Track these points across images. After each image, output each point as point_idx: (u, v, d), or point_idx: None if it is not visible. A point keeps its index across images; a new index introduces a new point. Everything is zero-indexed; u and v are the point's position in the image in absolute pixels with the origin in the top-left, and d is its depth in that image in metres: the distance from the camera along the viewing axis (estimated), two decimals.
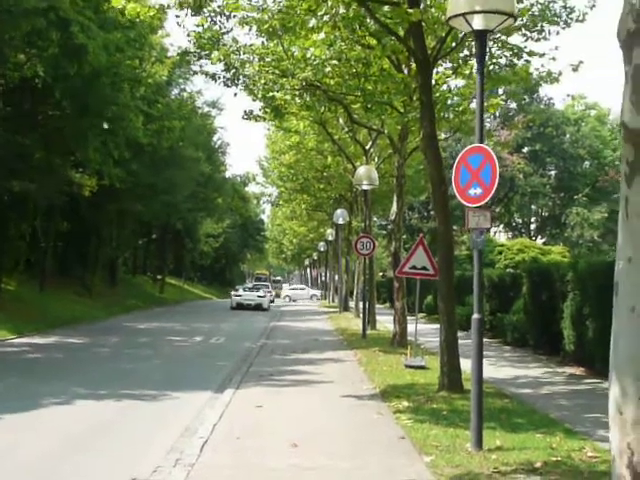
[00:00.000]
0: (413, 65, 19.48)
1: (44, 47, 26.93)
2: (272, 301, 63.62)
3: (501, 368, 18.35)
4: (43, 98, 30.04)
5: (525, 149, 73.14)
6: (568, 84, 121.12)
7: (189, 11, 19.70)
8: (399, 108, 21.13)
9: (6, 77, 28.79)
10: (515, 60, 20.11)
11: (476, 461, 8.88)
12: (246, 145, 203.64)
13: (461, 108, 21.38)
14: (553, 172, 76.19)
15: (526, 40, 19.99)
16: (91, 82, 28.46)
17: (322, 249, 76.41)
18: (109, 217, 48.41)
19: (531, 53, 19.89)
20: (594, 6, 20.06)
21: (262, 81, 21.55)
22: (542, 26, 19.74)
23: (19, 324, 27.42)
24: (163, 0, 16.91)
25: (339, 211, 42.95)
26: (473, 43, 20.15)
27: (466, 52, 20.87)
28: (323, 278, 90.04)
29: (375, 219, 54.62)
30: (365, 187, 27.70)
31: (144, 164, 42.13)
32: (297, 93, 22.38)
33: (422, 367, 17.67)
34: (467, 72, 21.48)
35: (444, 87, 22.32)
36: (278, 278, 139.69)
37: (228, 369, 18.47)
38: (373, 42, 19.33)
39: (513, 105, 70.93)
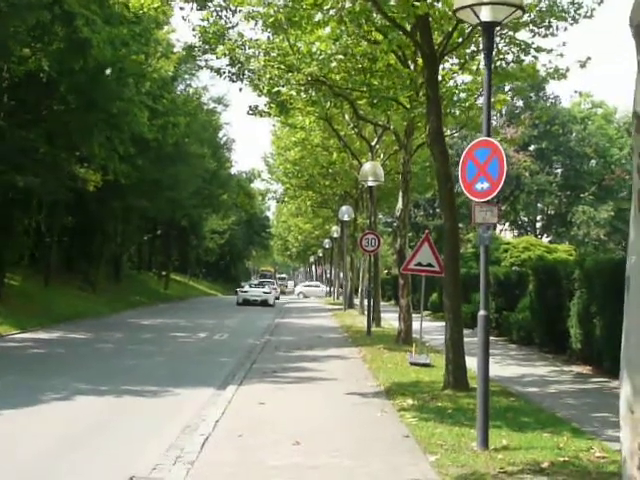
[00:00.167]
0: (419, 60, 19.36)
1: (49, 41, 26.80)
2: (277, 298, 63.62)
3: (507, 366, 18.20)
4: (48, 92, 29.89)
5: (531, 147, 72.96)
6: (575, 82, 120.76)
7: (194, 5, 19.70)
8: (405, 104, 20.97)
9: (11, 71, 28.66)
10: (522, 56, 19.98)
11: (482, 461, 8.72)
12: (252, 141, 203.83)
13: (468, 104, 21.24)
14: (559, 170, 75.99)
15: (533, 36, 19.89)
16: (96, 77, 28.33)
17: (327, 246, 76.37)
18: (114, 213, 48.26)
19: (538, 49, 19.77)
20: (602, 2, 19.86)
21: (267, 76, 21.39)
22: (550, 22, 19.61)
23: (23, 319, 27.33)
24: None
25: (344, 208, 42.82)
26: (480, 39, 20.22)
27: (473, 48, 20.76)
28: (328, 275, 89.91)
29: (380, 216, 54.55)
30: (370, 183, 27.53)
31: (149, 160, 42.00)
32: (302, 88, 22.22)
33: (427, 365, 17.52)
34: (474, 68, 21.37)
35: (451, 83, 22.20)
36: (283, 275, 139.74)
37: (231, 366, 18.34)
38: (379, 37, 19.18)
39: (520, 103, 70.79)
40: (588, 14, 19.76)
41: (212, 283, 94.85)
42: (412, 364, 17.70)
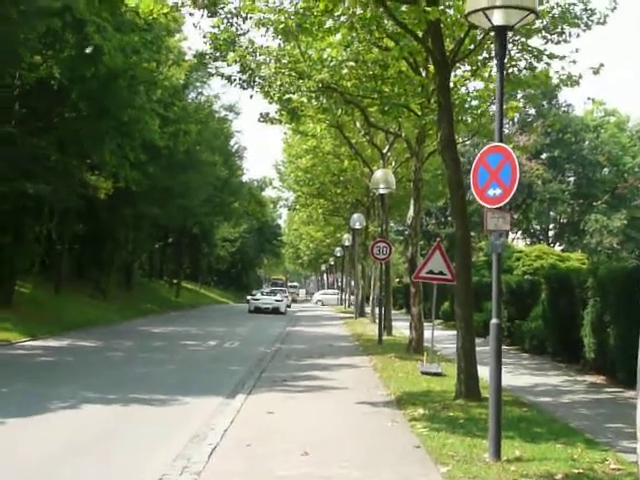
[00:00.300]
0: (431, 67, 19.23)
1: (60, 48, 26.80)
2: (289, 306, 63.60)
3: (520, 376, 18.02)
4: (59, 100, 29.89)
5: (544, 155, 72.66)
6: (587, 89, 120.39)
7: (205, 12, 19.61)
8: (416, 111, 20.86)
9: (22, 78, 28.68)
10: (535, 63, 19.82)
11: (494, 472, 8.57)
12: (263, 149, 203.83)
13: (479, 111, 21.09)
14: (572, 178, 75.64)
15: (546, 43, 19.74)
16: (107, 84, 28.31)
17: (339, 254, 76.18)
18: (125, 220, 48.27)
19: (551, 56, 19.62)
20: (615, 8, 19.70)
21: (278, 83, 21.28)
22: (562, 28, 19.46)
23: (33, 326, 27.23)
24: None
25: (356, 216, 42.70)
26: (492, 45, 20.09)
27: (485, 54, 20.61)
28: (339, 283, 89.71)
29: (392, 224, 54.39)
30: (382, 191, 27.37)
31: (161, 167, 42.04)
32: (313, 95, 22.10)
33: (438, 374, 17.36)
34: (486, 74, 21.22)
35: (462, 90, 22.06)
36: (295, 283, 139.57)
37: (241, 374, 18.21)
38: (390, 44, 19.07)
39: (532, 111, 70.55)
40: (601, 20, 19.61)
41: (223, 291, 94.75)
42: (423, 373, 17.55)
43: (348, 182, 46.18)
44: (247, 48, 20.99)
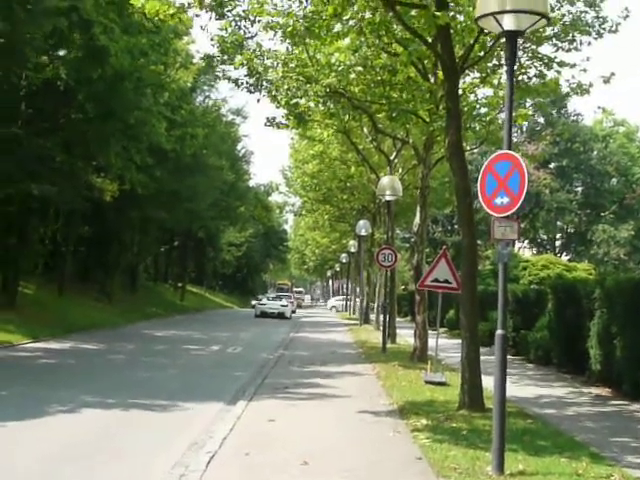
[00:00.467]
0: (440, 73, 19.08)
1: (66, 49, 26.71)
2: (294, 311, 63.89)
3: (524, 386, 17.77)
4: (66, 101, 29.80)
5: (552, 165, 72.41)
6: (597, 98, 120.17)
7: (212, 14, 19.48)
8: (424, 117, 20.66)
9: (29, 79, 28.60)
10: (545, 70, 19.64)
11: None
12: (270, 154, 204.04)
13: (488, 118, 20.91)
14: (580, 188, 75.42)
15: (557, 50, 19.60)
16: (114, 86, 28.21)
17: (344, 260, 76.02)
18: (131, 223, 48.19)
19: (562, 64, 19.46)
20: (627, 16, 19.53)
21: (285, 87, 21.12)
22: (574, 36, 19.31)
23: (35, 328, 27.12)
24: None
25: (362, 222, 42.57)
26: (502, 52, 19.96)
27: (495, 61, 20.47)
28: (345, 290, 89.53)
29: (398, 231, 54.15)
30: (388, 198, 27.15)
31: (167, 171, 41.99)
32: (321, 100, 21.93)
33: (442, 383, 17.16)
34: (495, 82, 21.06)
35: (471, 97, 21.89)
36: (300, 289, 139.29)
37: (243, 380, 18.03)
38: (399, 49, 18.87)
39: (541, 120, 70.37)
40: (613, 29, 19.45)
41: (228, 295, 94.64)
42: (427, 382, 17.35)
43: (354, 188, 46.04)
44: (254, 51, 20.84)
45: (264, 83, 21.56)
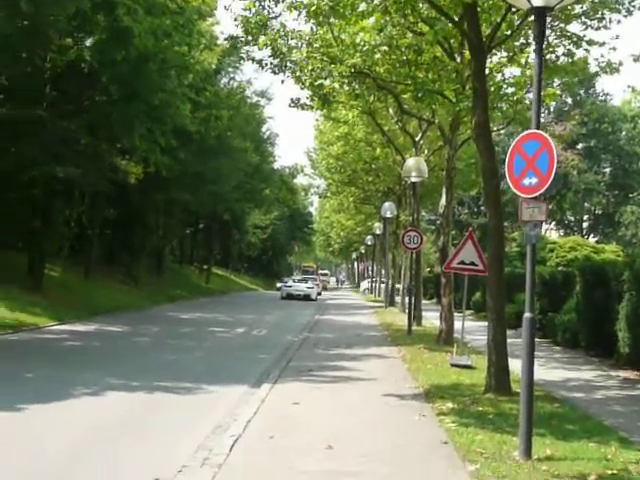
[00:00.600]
0: (466, 53, 18.84)
1: (90, 31, 26.64)
2: (319, 293, 64.35)
3: (551, 370, 17.57)
4: (90, 83, 29.74)
5: (579, 145, 71.76)
6: (626, 78, 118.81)
7: None
8: (451, 97, 20.41)
9: (53, 61, 28.58)
10: (574, 49, 19.35)
11: (524, 472, 8.23)
12: (295, 136, 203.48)
13: (516, 98, 20.62)
14: (608, 169, 74.73)
15: (585, 29, 19.29)
16: (138, 68, 28.11)
17: (369, 243, 75.85)
18: (156, 205, 48.22)
19: (591, 42, 19.17)
20: None
21: (310, 67, 20.95)
22: (603, 14, 18.94)
23: (61, 311, 27.23)
24: None
25: (387, 204, 42.36)
26: (530, 31, 19.66)
27: (522, 40, 20.20)
28: (370, 272, 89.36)
29: (423, 213, 53.93)
30: (414, 179, 26.93)
31: (192, 153, 41.93)
32: (346, 81, 21.73)
33: (468, 366, 17.00)
34: (523, 61, 20.76)
35: (498, 77, 21.62)
36: (325, 271, 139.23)
37: (267, 363, 17.96)
38: (425, 29, 18.65)
39: (569, 100, 69.70)
40: None
41: (253, 278, 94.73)
42: (453, 365, 17.21)
43: (380, 170, 45.76)
44: (278, 31, 20.70)
45: (288, 64, 21.43)
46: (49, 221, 32.05)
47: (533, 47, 19.76)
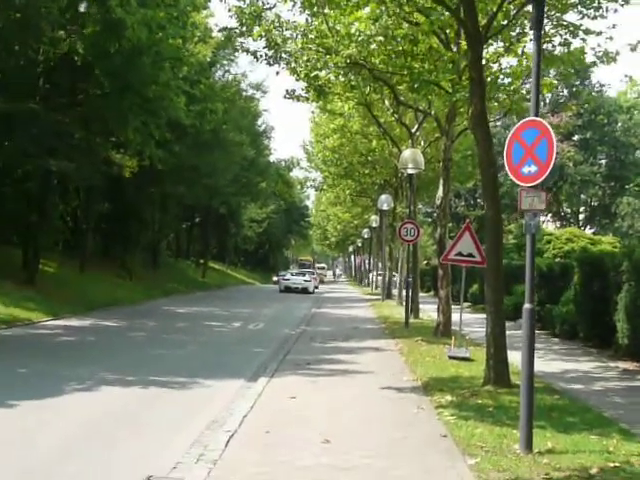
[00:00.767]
0: (462, 43, 18.66)
1: (83, 23, 26.40)
2: (317, 287, 64.95)
3: (550, 361, 17.44)
4: (83, 76, 29.51)
5: (575, 137, 71.57)
6: (621, 69, 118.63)
7: None
8: (447, 88, 20.22)
9: (46, 54, 28.35)
10: (570, 39, 19.14)
11: (525, 465, 8.11)
12: (291, 129, 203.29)
13: (512, 88, 20.45)
14: (604, 161, 74.51)
15: (582, 18, 19.03)
16: (132, 60, 27.87)
17: (366, 236, 75.74)
18: (152, 199, 48.06)
19: (587, 31, 18.95)
20: None
21: (305, 58, 20.78)
22: (599, 3, 18.74)
23: (56, 305, 27.06)
24: None
25: (383, 197, 42.24)
26: (525, 21, 19.49)
27: (519, 30, 20.01)
28: (367, 265, 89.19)
29: (420, 206, 53.74)
30: (410, 171, 26.78)
31: (187, 146, 41.77)
32: (341, 72, 21.56)
33: (466, 359, 16.87)
34: (519, 50, 20.57)
35: (495, 67, 21.42)
36: (322, 265, 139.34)
37: (264, 356, 17.84)
38: (421, 19, 18.45)
39: (564, 92, 69.55)
40: None
41: (250, 272, 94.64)
42: (451, 358, 17.07)
43: (376, 162, 45.57)
44: (273, 22, 20.53)
45: (283, 55, 21.29)
46: (44, 215, 31.84)
47: (530, 36, 19.66)
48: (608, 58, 19.76)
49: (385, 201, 41.55)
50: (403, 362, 17.10)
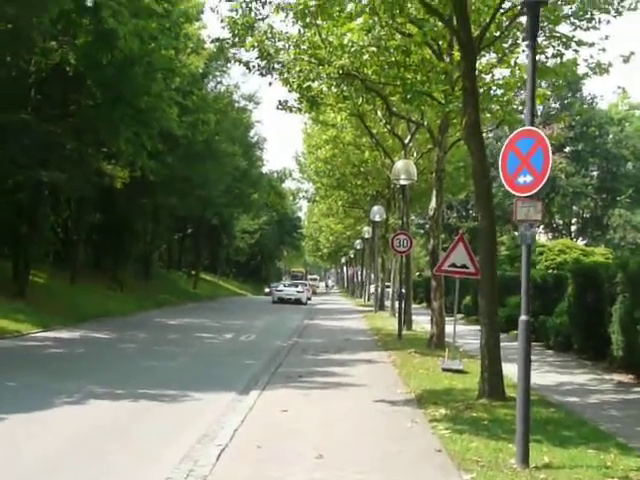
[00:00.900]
0: (455, 53, 18.60)
1: (75, 33, 26.29)
2: (309, 298, 65.12)
3: (545, 374, 17.29)
4: (75, 87, 29.38)
5: (567, 149, 71.64)
6: (613, 82, 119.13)
7: None
8: (440, 99, 20.16)
9: (38, 65, 28.22)
10: (563, 50, 19.12)
11: None
12: (284, 140, 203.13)
13: (506, 99, 20.39)
14: (595, 173, 74.58)
15: (575, 29, 19.05)
16: (124, 71, 27.77)
17: (358, 247, 75.62)
18: (143, 210, 47.88)
19: (580, 43, 18.92)
20: None
21: (297, 69, 20.68)
22: (592, 14, 18.73)
23: (46, 317, 26.82)
24: None
25: (376, 208, 42.15)
26: (518, 33, 19.47)
27: (511, 41, 20.00)
28: (359, 277, 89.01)
29: (412, 217, 53.70)
30: (403, 182, 26.66)
31: (179, 157, 41.68)
32: (334, 82, 21.45)
33: (460, 371, 16.74)
34: (512, 61, 20.54)
35: (487, 78, 21.37)
36: (315, 276, 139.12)
37: (256, 369, 17.67)
38: (413, 30, 18.41)
39: (556, 105, 69.68)
40: (632, 6, 18.85)
41: (242, 283, 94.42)
42: (445, 370, 16.93)
43: (369, 173, 45.53)
44: (265, 33, 20.43)
45: (275, 66, 21.17)
46: (35, 226, 31.66)
47: (523, 47, 19.66)
48: (601, 69, 19.75)
49: (377, 212, 41.45)
50: (396, 374, 16.95)
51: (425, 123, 25.62)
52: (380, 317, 40.36)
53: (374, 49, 19.55)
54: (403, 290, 28.90)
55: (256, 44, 20.52)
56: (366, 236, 59.63)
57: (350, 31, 19.46)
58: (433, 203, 23.79)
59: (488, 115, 21.95)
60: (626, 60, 19.30)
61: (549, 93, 25.76)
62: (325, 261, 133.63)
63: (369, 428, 10.90)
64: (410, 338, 25.56)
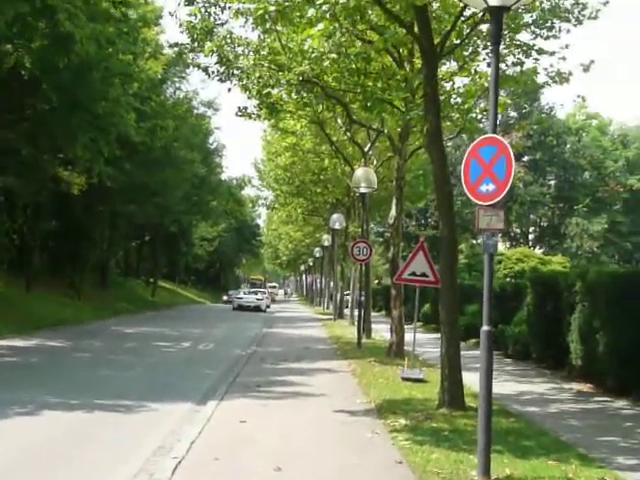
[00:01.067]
0: (416, 61, 18.56)
1: (31, 37, 25.84)
2: (268, 305, 65.71)
3: (504, 382, 17.15)
4: (31, 91, 28.86)
5: (525, 158, 72.25)
6: (570, 92, 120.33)
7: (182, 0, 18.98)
8: (400, 106, 20.08)
9: None
10: (524, 58, 19.14)
11: None
12: (243, 147, 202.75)
13: (466, 106, 20.38)
14: (553, 182, 75.40)
15: (535, 38, 19.09)
16: (81, 75, 27.36)
17: (318, 255, 75.49)
18: (101, 217, 47.31)
19: (541, 51, 18.96)
20: (607, 2, 19.03)
21: (257, 75, 20.48)
22: (552, 22, 18.80)
23: (0, 325, 26.29)
24: None
25: (335, 216, 42.04)
26: (479, 41, 19.47)
27: (471, 49, 19.98)
28: (318, 285, 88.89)
29: (372, 226, 53.70)
30: (363, 190, 26.61)
31: (137, 164, 41.17)
32: (294, 89, 21.28)
33: (420, 380, 16.62)
34: (473, 70, 20.54)
35: (448, 86, 21.36)
36: (274, 284, 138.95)
37: (213, 378, 17.41)
38: (374, 37, 18.33)
39: (514, 114, 70.21)
40: (593, 15, 18.95)
41: (201, 291, 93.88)
42: (404, 379, 16.81)
43: (328, 181, 45.38)
44: (225, 38, 20.23)
45: (235, 71, 20.96)
46: None
47: (484, 54, 19.69)
48: (561, 78, 19.76)
49: (337, 220, 41.34)
50: (356, 384, 16.80)
51: (385, 131, 25.54)
52: (339, 325, 40.22)
53: (334, 56, 19.42)
54: (362, 298, 28.85)
55: (215, 49, 20.31)
56: (326, 244, 59.53)
57: (310, 37, 19.22)
58: (393, 211, 23.71)
59: (448, 123, 21.88)
60: (586, 69, 19.33)
61: (509, 102, 25.84)
62: (284, 269, 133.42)
63: (329, 439, 10.74)
64: (369, 347, 25.45)
